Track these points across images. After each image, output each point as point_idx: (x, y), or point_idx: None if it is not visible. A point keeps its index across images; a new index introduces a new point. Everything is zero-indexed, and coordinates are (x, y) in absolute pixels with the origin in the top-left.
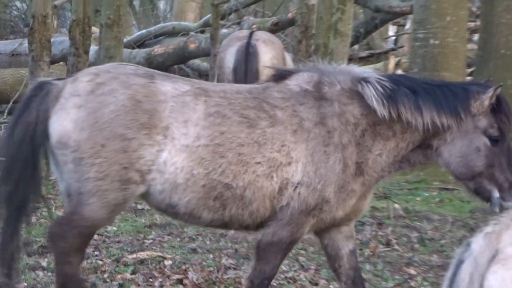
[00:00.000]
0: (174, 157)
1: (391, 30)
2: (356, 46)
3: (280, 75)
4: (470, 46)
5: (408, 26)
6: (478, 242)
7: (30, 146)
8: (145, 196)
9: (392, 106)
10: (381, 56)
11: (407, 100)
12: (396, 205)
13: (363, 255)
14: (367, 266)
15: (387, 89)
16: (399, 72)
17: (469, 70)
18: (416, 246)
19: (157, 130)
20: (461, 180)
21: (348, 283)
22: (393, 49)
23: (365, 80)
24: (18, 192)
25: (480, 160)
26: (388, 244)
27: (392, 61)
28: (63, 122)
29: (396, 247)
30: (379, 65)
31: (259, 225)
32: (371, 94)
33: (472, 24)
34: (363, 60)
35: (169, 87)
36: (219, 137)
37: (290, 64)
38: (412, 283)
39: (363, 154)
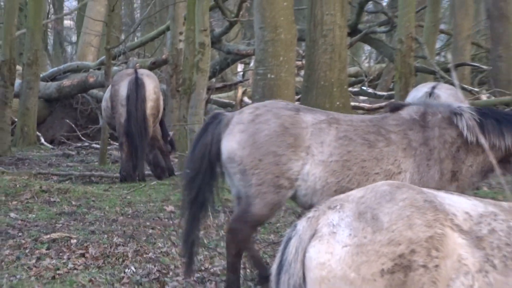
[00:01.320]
0: (314, 169)
1: (240, 67)
2: (213, 79)
3: (395, 107)
4: (298, 79)
5: (252, 64)
6: (302, 224)
7: (208, 161)
8: (294, 198)
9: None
10: (232, 86)
11: (492, 127)
12: None
13: (219, 235)
14: (222, 243)
15: (477, 119)
16: (245, 98)
17: (297, 97)
18: (259, 228)
19: (301, 149)
20: None
21: None
22: (241, 81)
23: (460, 111)
24: (199, 197)
25: None
26: None
27: (240, 91)
28: (231, 143)
29: None
30: (231, 93)
31: None
32: (464, 124)
33: (299, 63)
34: (218, 90)
35: (310, 117)
36: (347, 155)
37: (160, 93)
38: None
39: (458, 165)
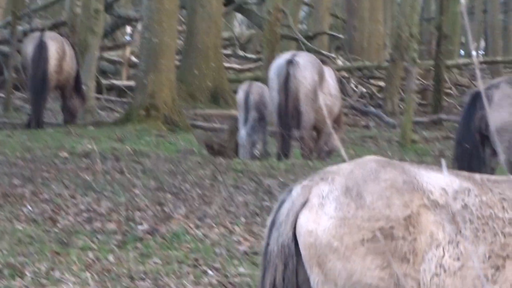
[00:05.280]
0: None
1: (129, 29)
2: (105, 40)
3: None
4: (179, 42)
5: (139, 27)
6: (296, 190)
7: (478, 134)
8: None
9: None
10: (121, 46)
11: None
12: (128, 147)
13: (106, 179)
14: (108, 187)
15: None
16: (132, 57)
17: (178, 57)
18: (140, 174)
19: None
20: None
21: None
22: (129, 42)
23: None
24: (473, 166)
25: None
26: (122, 172)
27: (128, 50)
28: (503, 114)
29: (127, 175)
30: (120, 52)
31: None
32: None
33: (180, 28)
34: (109, 49)
35: None
36: None
37: (67, 49)
38: (137, 199)
39: None
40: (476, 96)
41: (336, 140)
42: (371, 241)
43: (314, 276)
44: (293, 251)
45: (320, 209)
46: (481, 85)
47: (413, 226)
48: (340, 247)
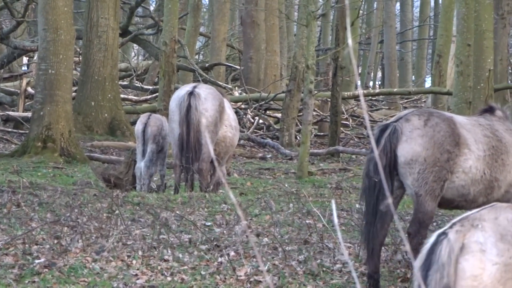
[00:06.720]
0: (475, 163)
1: (25, 59)
2: (1, 70)
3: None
4: (75, 72)
5: (36, 57)
6: (452, 234)
7: (388, 167)
8: (447, 189)
9: None
10: (18, 77)
11: None
12: (24, 179)
13: (2, 212)
14: (4, 221)
15: None
16: (29, 88)
17: (74, 88)
18: (37, 207)
19: (463, 146)
20: None
21: None
22: (25, 73)
23: None
24: (379, 200)
25: None
26: (18, 205)
27: (24, 81)
28: (414, 146)
29: (24, 208)
30: (17, 83)
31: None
32: None
33: (77, 59)
34: (5, 80)
35: (459, 118)
36: (492, 149)
37: None
38: (34, 232)
39: None
40: (384, 129)
41: (220, 173)
42: None
43: None
44: None
45: (483, 255)
46: (367, 120)
47: None
48: None
